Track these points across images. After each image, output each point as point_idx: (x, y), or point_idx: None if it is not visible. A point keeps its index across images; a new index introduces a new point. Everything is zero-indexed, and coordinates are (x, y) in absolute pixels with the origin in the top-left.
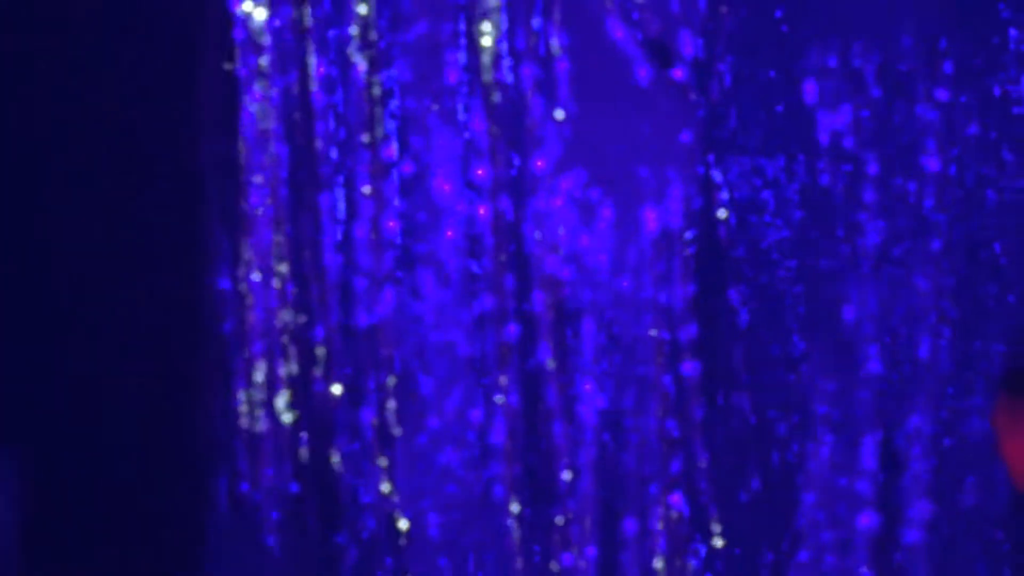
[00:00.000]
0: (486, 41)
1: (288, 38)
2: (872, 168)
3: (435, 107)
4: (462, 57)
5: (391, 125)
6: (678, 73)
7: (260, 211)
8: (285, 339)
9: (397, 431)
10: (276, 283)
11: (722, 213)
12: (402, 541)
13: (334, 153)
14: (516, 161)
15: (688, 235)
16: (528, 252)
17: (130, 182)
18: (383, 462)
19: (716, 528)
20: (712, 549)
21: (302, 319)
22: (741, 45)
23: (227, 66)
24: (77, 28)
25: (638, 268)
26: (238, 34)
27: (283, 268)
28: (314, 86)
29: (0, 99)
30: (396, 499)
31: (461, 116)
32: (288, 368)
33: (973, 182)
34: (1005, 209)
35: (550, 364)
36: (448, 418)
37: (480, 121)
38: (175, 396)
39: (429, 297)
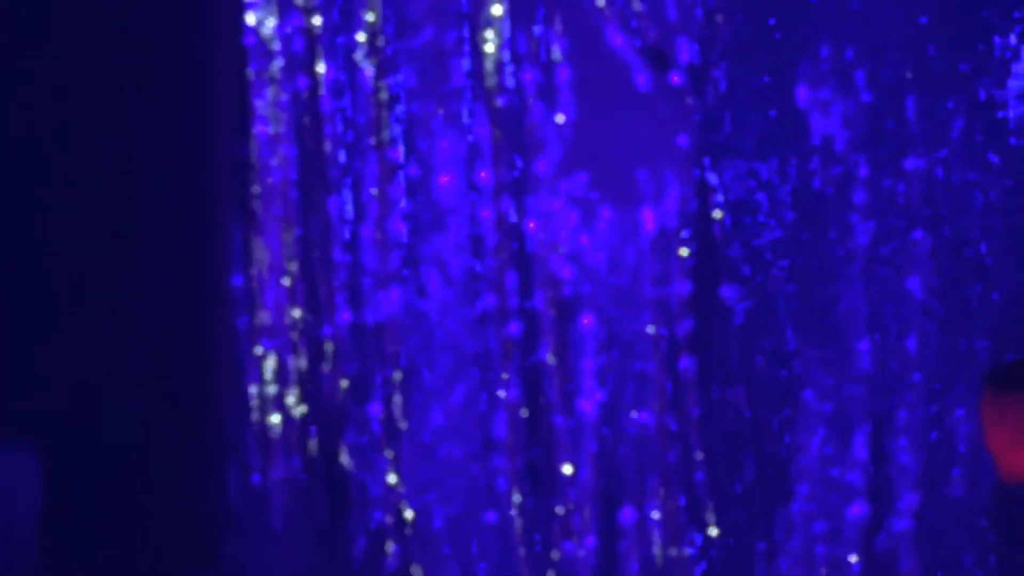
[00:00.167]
0: (489, 48)
1: (298, 45)
2: (862, 170)
3: (440, 111)
4: (466, 63)
5: (397, 129)
6: (675, 79)
7: (271, 212)
8: (295, 336)
9: (403, 425)
10: (286, 281)
11: (717, 214)
12: (408, 531)
13: (342, 156)
14: (518, 163)
15: (684, 235)
16: (530, 251)
17: (148, 185)
18: (390, 454)
19: (711, 518)
20: (707, 538)
21: (311, 316)
22: (736, 52)
23: (241, 72)
24: (96, 36)
25: (636, 267)
26: (249, 41)
27: (293, 267)
28: (323, 91)
29: (29, 104)
30: (402, 490)
31: (465, 120)
32: (298, 364)
33: (959, 184)
34: (990, 210)
35: (551, 360)
36: (452, 412)
37: (483, 125)
38: (189, 390)
39: (434, 295)
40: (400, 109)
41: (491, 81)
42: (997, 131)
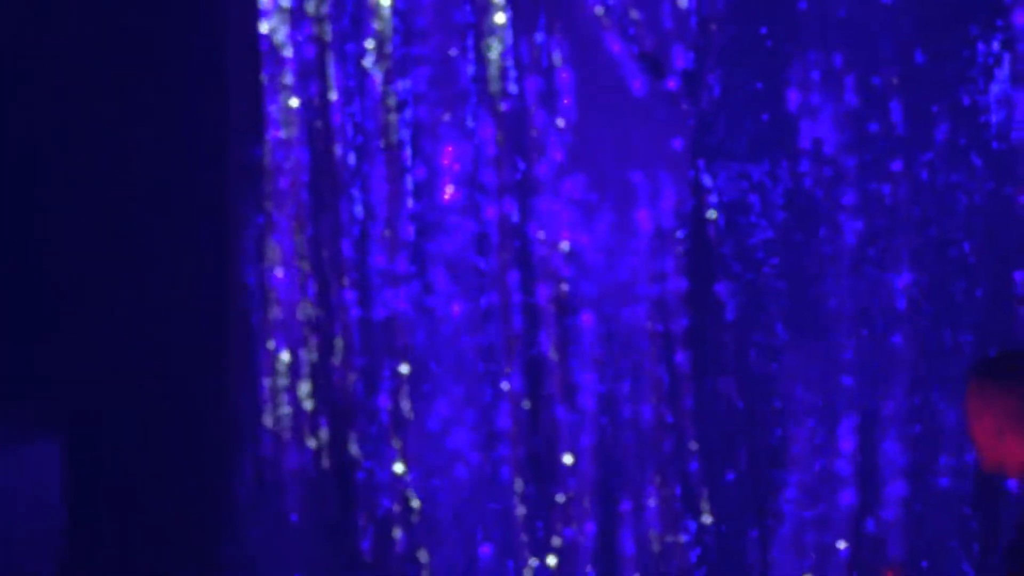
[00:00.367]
0: (493, 55)
1: (309, 52)
2: (850, 173)
3: (446, 116)
4: (471, 70)
5: (405, 133)
6: (671, 84)
7: (283, 212)
8: (306, 331)
9: (410, 416)
10: (299, 279)
11: (711, 214)
12: (414, 518)
13: (352, 159)
14: (521, 166)
15: (680, 234)
16: (531, 250)
17: (166, 187)
18: (397, 444)
19: (705, 506)
20: (702, 525)
21: (322, 312)
22: (729, 59)
23: (255, 78)
24: (118, 43)
25: (634, 265)
26: (263, 47)
27: (305, 265)
28: (334, 96)
29: (53, 106)
30: (409, 479)
31: (470, 124)
32: (309, 357)
33: (944, 186)
34: (974, 211)
35: (552, 354)
36: (457, 404)
37: (487, 129)
38: (205, 384)
39: (440, 292)
40: (408, 114)
41: (494, 87)
42: (980, 135)
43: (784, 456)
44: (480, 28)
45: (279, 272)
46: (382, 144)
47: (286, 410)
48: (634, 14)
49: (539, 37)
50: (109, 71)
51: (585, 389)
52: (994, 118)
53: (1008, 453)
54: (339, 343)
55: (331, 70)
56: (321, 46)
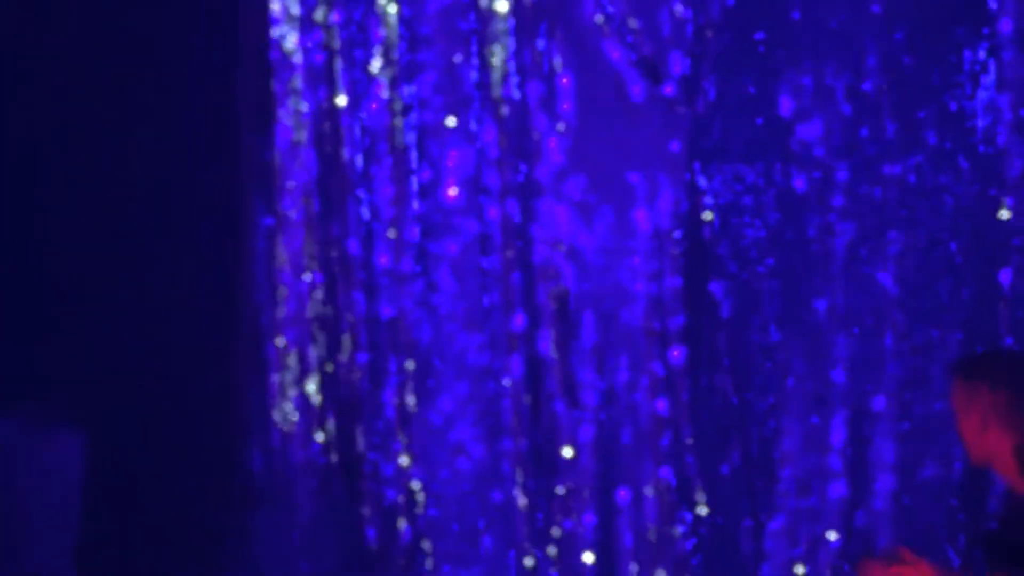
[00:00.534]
0: (495, 61)
1: (318, 58)
2: (841, 175)
3: (450, 120)
4: (474, 75)
5: (411, 136)
6: (668, 89)
7: (293, 213)
8: (315, 328)
9: (415, 411)
10: (307, 278)
11: (707, 215)
12: (419, 509)
13: (359, 161)
14: (522, 168)
15: (677, 235)
16: (533, 250)
17: (179, 189)
18: (402, 438)
19: (701, 498)
20: (697, 517)
21: (330, 310)
22: (724, 65)
23: (266, 83)
24: (126, 46)
25: (632, 265)
26: (273, 54)
27: (313, 264)
28: (342, 101)
29: (65, 107)
30: (414, 471)
31: (473, 128)
32: (317, 354)
33: (932, 188)
34: (960, 213)
35: (552, 351)
36: (461, 399)
37: (490, 133)
38: (217, 380)
39: (444, 290)
40: (413, 118)
41: (497, 92)
42: (967, 139)
43: (777, 449)
44: (483, 35)
45: (288, 271)
46: (388, 147)
47: (295, 405)
48: (633, 22)
49: (540, 44)
50: (116, 73)
51: (584, 385)
52: (980, 123)
53: (994, 448)
54: (346, 340)
55: (339, 75)
56: (330, 52)
